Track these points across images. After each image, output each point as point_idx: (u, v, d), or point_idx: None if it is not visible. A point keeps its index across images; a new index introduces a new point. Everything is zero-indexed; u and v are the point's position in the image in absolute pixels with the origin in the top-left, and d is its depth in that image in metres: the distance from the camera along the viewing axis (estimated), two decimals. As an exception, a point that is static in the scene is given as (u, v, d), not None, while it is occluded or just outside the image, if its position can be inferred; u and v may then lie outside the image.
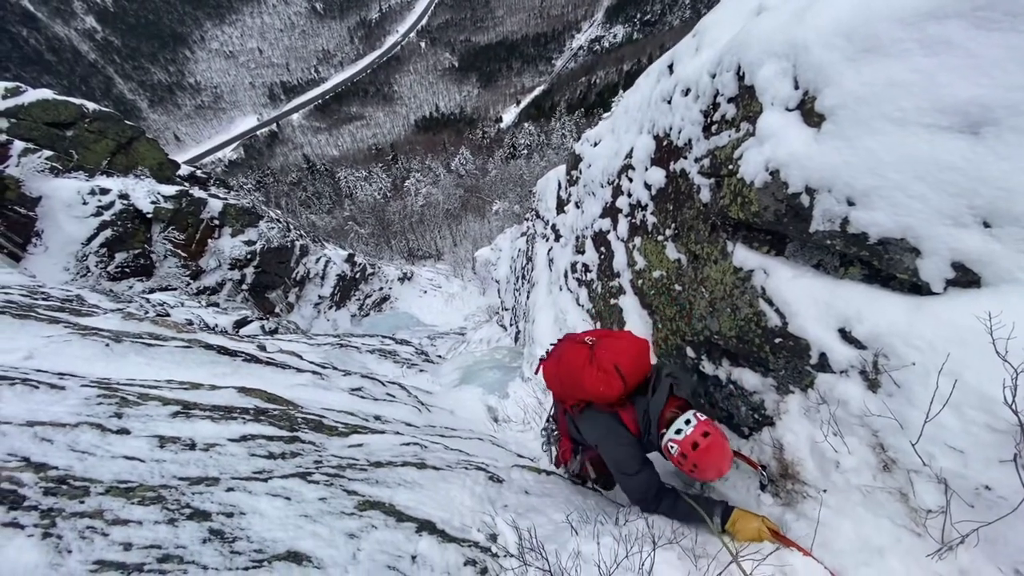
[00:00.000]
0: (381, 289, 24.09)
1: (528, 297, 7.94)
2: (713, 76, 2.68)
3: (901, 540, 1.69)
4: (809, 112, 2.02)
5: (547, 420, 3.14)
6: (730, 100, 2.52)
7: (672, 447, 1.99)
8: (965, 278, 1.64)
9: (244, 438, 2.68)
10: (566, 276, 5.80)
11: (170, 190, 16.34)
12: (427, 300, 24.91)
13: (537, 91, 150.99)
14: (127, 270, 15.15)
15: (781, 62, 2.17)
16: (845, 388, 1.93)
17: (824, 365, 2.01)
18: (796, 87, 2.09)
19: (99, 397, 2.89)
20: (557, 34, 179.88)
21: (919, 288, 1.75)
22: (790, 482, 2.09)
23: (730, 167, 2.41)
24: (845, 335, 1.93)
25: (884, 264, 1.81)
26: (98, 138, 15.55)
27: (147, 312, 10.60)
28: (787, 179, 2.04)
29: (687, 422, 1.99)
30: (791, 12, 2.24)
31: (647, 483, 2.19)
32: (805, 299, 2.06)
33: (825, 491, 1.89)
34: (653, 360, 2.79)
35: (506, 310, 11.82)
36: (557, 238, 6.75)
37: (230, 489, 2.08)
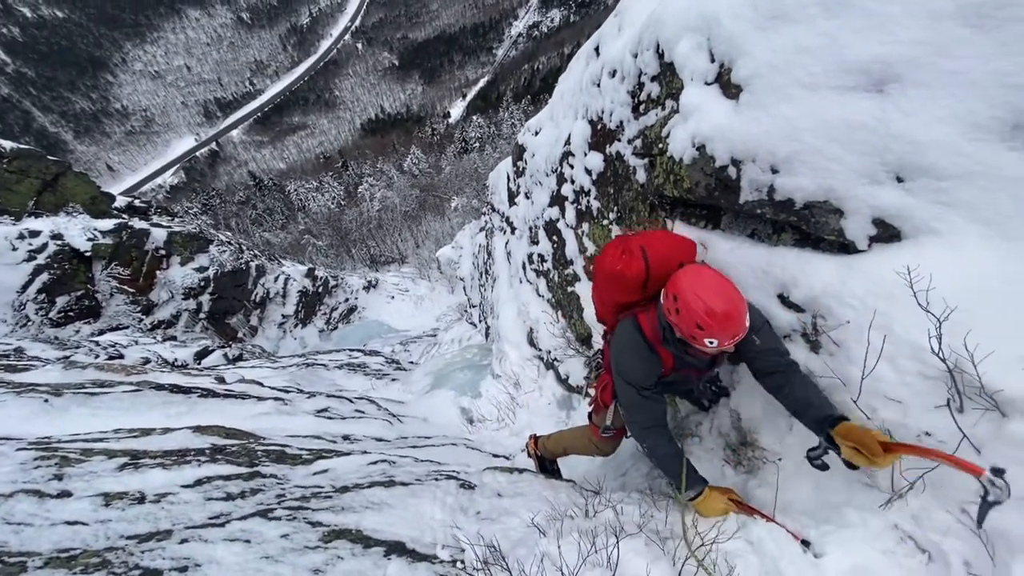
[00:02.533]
0: (347, 300, 23.58)
1: (492, 292, 7.90)
2: (635, 56, 2.68)
3: (855, 494, 1.74)
4: (727, 84, 2.03)
5: (594, 353, 2.84)
6: (653, 79, 2.52)
7: (662, 294, 1.77)
8: (886, 233, 1.69)
9: (199, 482, 2.55)
10: (524, 268, 5.77)
11: (107, 224, 15.49)
12: (396, 305, 24.53)
13: (482, 83, 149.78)
14: (71, 314, 14.33)
15: (696, 36, 2.18)
16: (791, 352, 1.96)
17: (769, 332, 2.04)
18: (712, 60, 2.10)
19: (36, 460, 2.71)
20: (495, 23, 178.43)
21: (847, 247, 1.79)
22: (750, 450, 2.13)
23: (660, 146, 2.41)
24: (784, 300, 1.96)
25: (812, 227, 1.84)
26: (20, 178, 14.56)
27: (97, 356, 10.08)
28: (713, 153, 2.05)
29: None
30: (701, -15, 2.24)
31: (645, 408, 1.99)
32: (744, 269, 2.08)
33: (781, 459, 1.93)
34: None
35: (473, 307, 11.75)
36: (513, 230, 6.71)
37: (184, 540, 1.97)
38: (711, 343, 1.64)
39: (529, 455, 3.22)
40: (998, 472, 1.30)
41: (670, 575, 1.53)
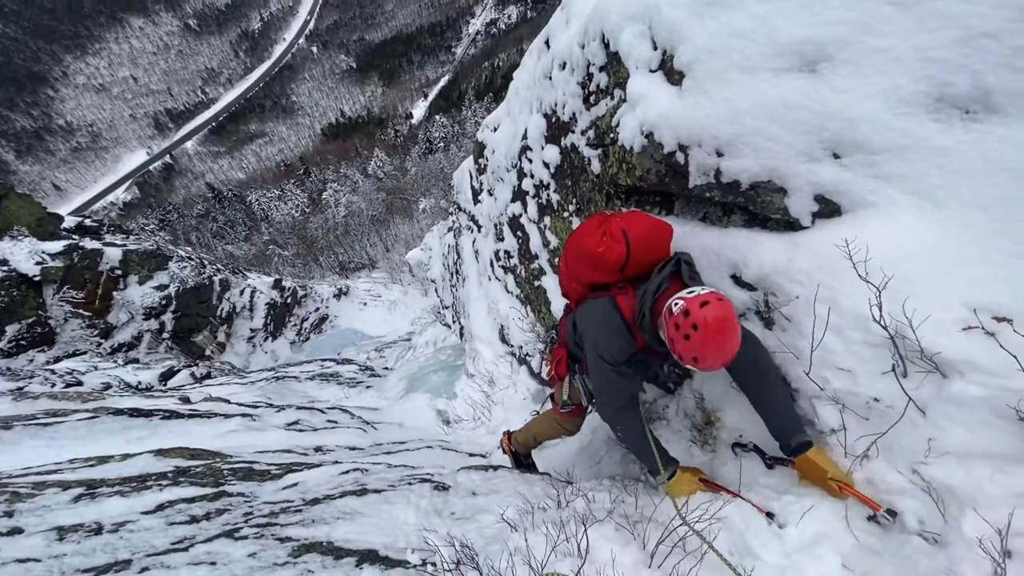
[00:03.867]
0: (318, 310, 23.09)
1: (462, 291, 7.86)
2: (583, 47, 2.69)
3: (813, 463, 1.79)
4: (670, 71, 2.06)
5: (549, 329, 2.89)
6: (601, 69, 2.54)
7: (676, 304, 1.66)
8: (828, 209, 1.74)
9: (161, 507, 2.46)
10: (492, 265, 5.76)
11: (56, 246, 14.78)
12: (369, 312, 24.15)
13: (443, 82, 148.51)
14: (23, 343, 13.63)
15: (638, 24, 2.19)
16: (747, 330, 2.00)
17: (725, 312, 2.08)
18: (655, 48, 2.12)
19: (-17, 498, 2.56)
20: (452, 21, 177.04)
21: (792, 225, 1.84)
22: (714, 429, 2.18)
23: (611, 136, 2.43)
24: (737, 280, 2.00)
25: (759, 207, 1.89)
26: (-44, 203, 13.76)
27: (53, 385, 9.63)
28: (661, 139, 2.08)
29: (702, 288, 1.69)
30: (641, -26, 2.26)
31: (621, 387, 2.01)
32: (697, 251, 2.11)
33: (741, 435, 1.98)
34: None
35: (446, 308, 11.66)
36: (479, 228, 6.68)
37: (144, 569, 1.90)
38: (692, 367, 1.68)
39: (504, 451, 3.21)
40: (892, 513, 1.59)
41: (640, 558, 1.55)
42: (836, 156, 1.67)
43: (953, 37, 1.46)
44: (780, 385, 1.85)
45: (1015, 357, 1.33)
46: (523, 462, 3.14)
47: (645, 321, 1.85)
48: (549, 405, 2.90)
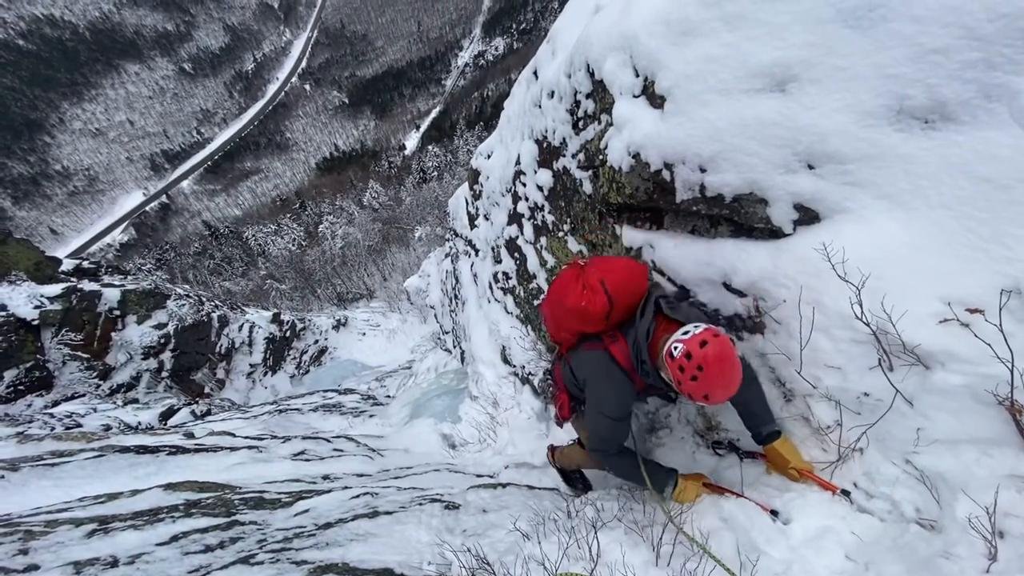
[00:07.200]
0: (317, 342, 23.01)
1: (462, 315, 7.93)
2: (569, 76, 2.84)
3: (812, 459, 1.86)
4: (652, 96, 2.20)
5: (544, 373, 2.96)
6: (588, 96, 2.68)
7: (676, 347, 1.69)
8: (807, 216, 1.85)
9: (175, 538, 2.48)
10: (491, 287, 5.85)
11: (55, 289, 14.85)
12: (368, 342, 24.06)
13: (434, 113, 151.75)
14: (21, 387, 13.55)
15: (620, 54, 2.35)
16: (742, 338, 2.09)
17: (718, 318, 2.18)
18: (637, 75, 2.27)
19: (-3, 538, 2.58)
20: (440, 55, 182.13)
21: (776, 233, 1.94)
22: (715, 433, 2.24)
23: (600, 157, 2.56)
24: (728, 288, 2.10)
25: (743, 218, 2.00)
26: (-46, 251, 13.86)
27: (53, 428, 9.56)
28: (647, 159, 2.20)
29: (695, 327, 1.72)
30: (620, 7, 2.43)
31: (617, 432, 2.06)
32: (689, 263, 2.22)
33: (739, 440, 2.05)
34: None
35: (447, 333, 11.70)
36: (476, 252, 6.80)
37: (163, 598, 1.92)
38: (702, 404, 1.76)
39: (552, 465, 3.18)
40: (846, 492, 1.76)
41: (649, 558, 1.60)
42: (811, 167, 1.79)
43: (907, 54, 1.59)
44: (754, 380, 1.99)
45: (989, 345, 1.41)
46: (571, 476, 3.10)
47: (646, 366, 1.94)
48: (555, 426, 2.94)
